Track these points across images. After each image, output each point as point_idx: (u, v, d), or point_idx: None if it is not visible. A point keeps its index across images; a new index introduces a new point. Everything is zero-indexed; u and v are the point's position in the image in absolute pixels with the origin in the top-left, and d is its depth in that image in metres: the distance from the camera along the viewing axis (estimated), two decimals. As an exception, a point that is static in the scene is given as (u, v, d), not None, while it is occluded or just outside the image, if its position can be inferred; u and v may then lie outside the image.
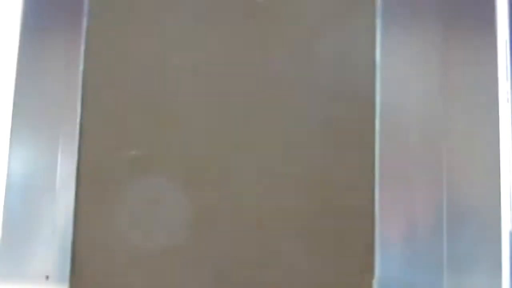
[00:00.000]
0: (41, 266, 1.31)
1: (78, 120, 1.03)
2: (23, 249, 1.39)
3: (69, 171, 1.23)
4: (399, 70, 1.44)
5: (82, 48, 1.04)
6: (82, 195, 1.02)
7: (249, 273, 1.00)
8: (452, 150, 1.43)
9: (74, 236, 0.99)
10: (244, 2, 1.05)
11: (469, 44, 1.47)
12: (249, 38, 1.02)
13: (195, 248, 1.01)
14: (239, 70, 1.01)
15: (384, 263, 1.40)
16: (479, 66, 1.46)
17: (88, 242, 1.01)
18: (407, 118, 1.46)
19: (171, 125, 1.02)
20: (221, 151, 1.02)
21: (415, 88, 1.44)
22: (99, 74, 1.05)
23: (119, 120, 1.03)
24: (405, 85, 1.45)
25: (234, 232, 1.01)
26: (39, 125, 1.35)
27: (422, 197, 1.43)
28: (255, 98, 1.02)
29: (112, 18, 1.05)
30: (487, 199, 1.45)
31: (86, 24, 1.06)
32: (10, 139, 1.41)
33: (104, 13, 1.05)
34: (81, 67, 1.03)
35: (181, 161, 1.03)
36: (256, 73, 1.03)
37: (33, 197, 1.40)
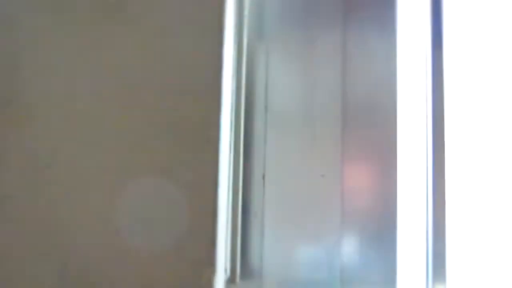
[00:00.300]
0: None
1: None
2: None
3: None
4: (297, 69, 1.46)
5: None
6: None
7: (91, 267, 1.06)
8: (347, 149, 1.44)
9: None
10: (97, 2, 1.10)
11: (368, 41, 1.47)
12: (101, 37, 1.08)
13: (39, 242, 1.09)
14: (89, 68, 1.07)
15: (274, 264, 1.44)
16: (379, 64, 1.46)
17: None
18: (300, 118, 1.48)
19: (21, 122, 1.09)
20: (68, 148, 1.08)
21: (315, 86, 1.46)
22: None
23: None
24: (304, 83, 1.47)
25: (78, 227, 1.08)
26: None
27: (310, 199, 1.46)
28: (103, 96, 1.08)
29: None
30: (383, 205, 1.45)
31: None
32: None
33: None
34: None
35: (28, 158, 1.10)
36: (105, 71, 1.08)
37: None
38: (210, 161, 1.10)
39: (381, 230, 1.44)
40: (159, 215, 1.08)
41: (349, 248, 1.43)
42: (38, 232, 1.08)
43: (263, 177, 1.40)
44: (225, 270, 1.24)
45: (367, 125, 1.46)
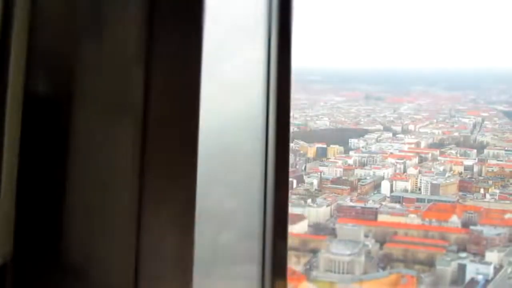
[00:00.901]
0: None
1: None
2: None
3: None
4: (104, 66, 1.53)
5: None
6: None
7: None
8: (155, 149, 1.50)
9: None
10: None
11: (173, 43, 1.50)
12: None
13: None
14: None
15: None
16: (183, 64, 1.49)
17: None
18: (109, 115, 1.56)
19: None
20: None
21: (119, 86, 1.53)
22: None
23: None
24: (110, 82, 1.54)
25: None
26: None
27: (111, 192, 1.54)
28: None
29: None
30: (183, 198, 1.49)
31: None
32: None
33: None
34: None
35: None
36: None
37: None
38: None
39: (181, 223, 1.49)
40: None
41: (146, 242, 1.49)
42: None
43: (75, 169, 1.50)
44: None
45: (169, 124, 1.49)
